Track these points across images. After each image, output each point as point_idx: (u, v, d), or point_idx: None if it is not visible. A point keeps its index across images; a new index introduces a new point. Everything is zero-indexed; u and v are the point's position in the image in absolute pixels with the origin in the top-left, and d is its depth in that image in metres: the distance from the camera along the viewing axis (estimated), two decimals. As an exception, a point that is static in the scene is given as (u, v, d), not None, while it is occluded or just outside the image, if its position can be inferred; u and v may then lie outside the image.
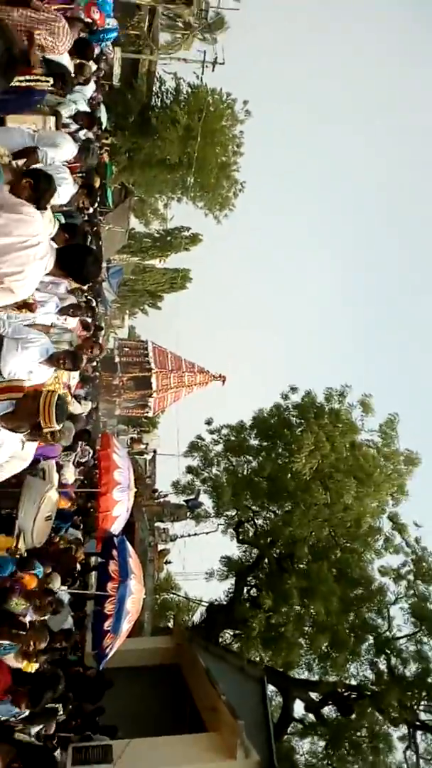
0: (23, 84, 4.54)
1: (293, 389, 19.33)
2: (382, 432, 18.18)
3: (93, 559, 11.12)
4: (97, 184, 10.52)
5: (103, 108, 16.48)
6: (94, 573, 11.54)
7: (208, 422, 20.57)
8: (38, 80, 4.79)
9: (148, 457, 25.79)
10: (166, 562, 20.23)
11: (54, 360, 4.76)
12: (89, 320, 11.04)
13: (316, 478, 16.92)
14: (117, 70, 21.92)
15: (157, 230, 31.33)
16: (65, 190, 6.56)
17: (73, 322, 7.95)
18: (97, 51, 11.25)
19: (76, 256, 4.05)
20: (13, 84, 3.92)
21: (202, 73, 23.81)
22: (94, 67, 11.07)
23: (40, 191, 3.54)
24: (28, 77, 4.52)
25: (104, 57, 16.01)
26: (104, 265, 24.51)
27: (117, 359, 27.09)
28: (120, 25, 19.09)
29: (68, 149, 5.79)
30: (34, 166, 4.77)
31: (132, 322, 37.35)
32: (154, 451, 26.54)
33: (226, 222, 24.60)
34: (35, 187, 3.48)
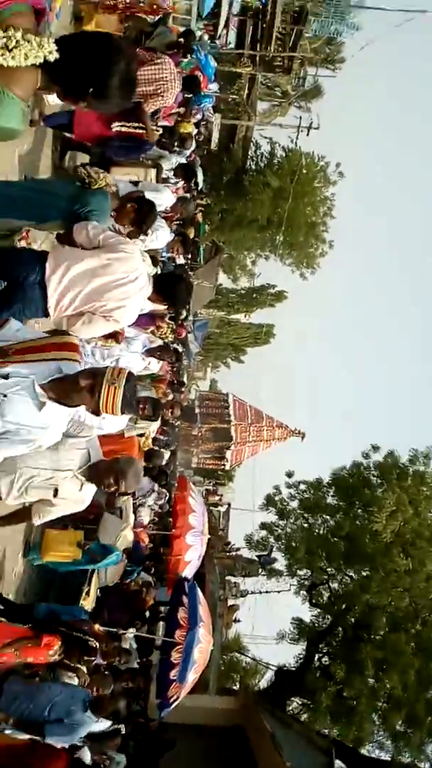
0: (134, 130, 4.87)
1: (375, 448, 18.79)
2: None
3: (162, 609, 10.99)
4: (192, 234, 10.99)
5: (200, 170, 17.36)
6: (161, 623, 11.37)
7: (289, 474, 20.23)
8: (147, 129, 5.13)
9: (222, 509, 25.59)
10: (235, 620, 19.70)
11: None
12: (173, 366, 11.30)
13: (396, 543, 16.16)
14: (215, 135, 23.08)
15: (244, 287, 32.03)
16: (162, 234, 6.88)
17: (156, 366, 7.99)
18: (198, 116, 11.98)
19: (170, 282, 4.63)
20: (125, 129, 4.24)
21: (297, 137, 24.60)
22: (194, 129, 11.75)
23: (143, 214, 3.81)
24: (137, 124, 4.85)
25: (204, 122, 16.96)
26: (191, 318, 25.23)
27: (197, 410, 27.40)
28: (221, 93, 20.30)
29: (168, 197, 6.09)
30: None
31: (214, 375, 37.87)
32: (229, 504, 26.31)
33: (313, 279, 24.84)
34: (138, 210, 3.74)
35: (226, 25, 16.73)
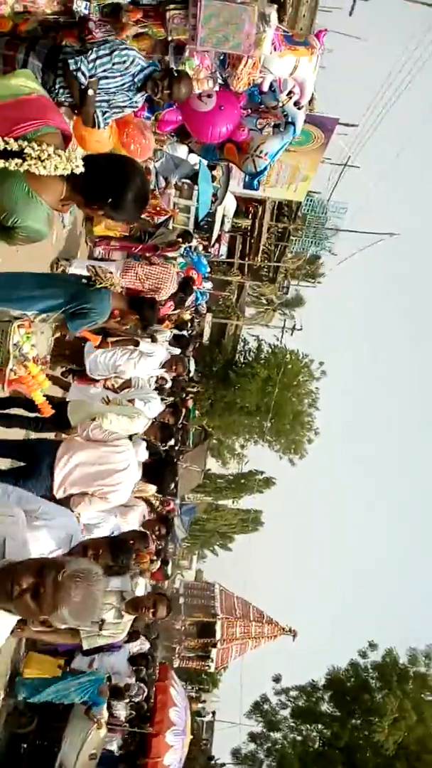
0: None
1: (372, 646, 17.59)
2: None
3: None
4: (172, 421, 11.42)
5: (192, 360, 18.55)
6: None
7: (277, 679, 18.64)
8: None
9: (206, 719, 22.99)
10: None
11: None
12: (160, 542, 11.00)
13: (401, 756, 14.39)
14: (207, 330, 24.97)
15: (232, 473, 32.22)
16: (155, 405, 7.22)
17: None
18: (192, 309, 13.16)
19: (158, 467, 5.60)
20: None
21: (282, 336, 26.62)
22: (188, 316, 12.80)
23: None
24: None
25: (198, 316, 18.49)
26: (178, 501, 24.98)
27: (181, 600, 25.85)
28: (213, 297, 22.36)
29: (161, 353, 6.57)
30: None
31: (200, 565, 36.38)
32: (213, 713, 23.70)
33: (301, 465, 25.15)
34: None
35: (218, 240, 18.94)
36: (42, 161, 2.06)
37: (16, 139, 2.09)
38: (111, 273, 3.79)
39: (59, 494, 4.34)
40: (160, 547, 12.68)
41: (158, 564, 14.01)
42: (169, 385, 7.97)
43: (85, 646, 4.56)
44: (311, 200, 22.46)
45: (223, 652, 25.82)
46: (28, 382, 3.62)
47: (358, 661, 17.47)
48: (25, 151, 2.08)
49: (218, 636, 25.46)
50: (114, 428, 5.00)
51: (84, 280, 3.65)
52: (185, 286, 8.35)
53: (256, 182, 4.49)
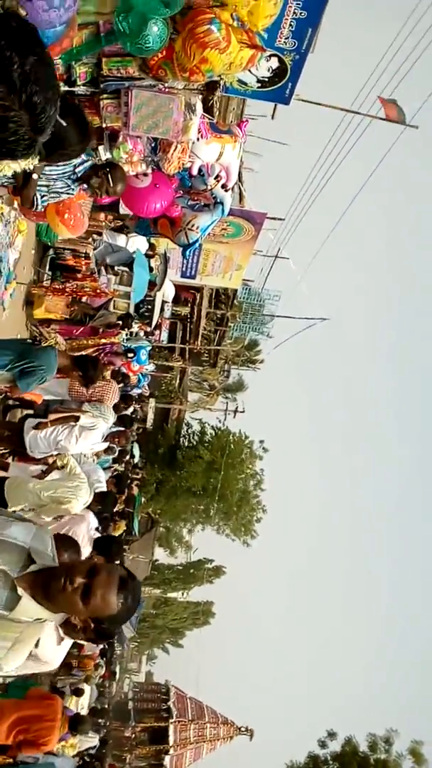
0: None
1: (331, 735, 16.89)
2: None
3: None
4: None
5: (136, 446, 18.47)
6: None
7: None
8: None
9: None
10: None
11: None
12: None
13: None
14: (150, 416, 25.04)
15: (181, 563, 31.35)
16: (97, 434, 7.14)
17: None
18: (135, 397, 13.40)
19: (106, 543, 5.29)
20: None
21: (225, 419, 26.95)
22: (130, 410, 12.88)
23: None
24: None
25: (141, 402, 18.62)
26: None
27: (130, 705, 24.25)
28: (155, 382, 22.64)
29: (104, 426, 6.57)
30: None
31: (150, 667, 34.42)
32: None
33: (250, 549, 24.80)
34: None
35: (159, 326, 19.45)
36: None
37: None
38: (54, 333, 3.92)
39: None
40: (104, 647, 12.15)
41: (103, 669, 13.39)
42: (116, 454, 7.96)
43: None
44: (247, 288, 23.54)
45: (176, 758, 24.07)
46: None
47: (318, 752, 16.64)
48: None
49: (171, 741, 23.82)
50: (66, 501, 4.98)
51: (29, 340, 3.75)
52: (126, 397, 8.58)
53: (188, 253, 4.78)
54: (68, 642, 3.27)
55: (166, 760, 23.42)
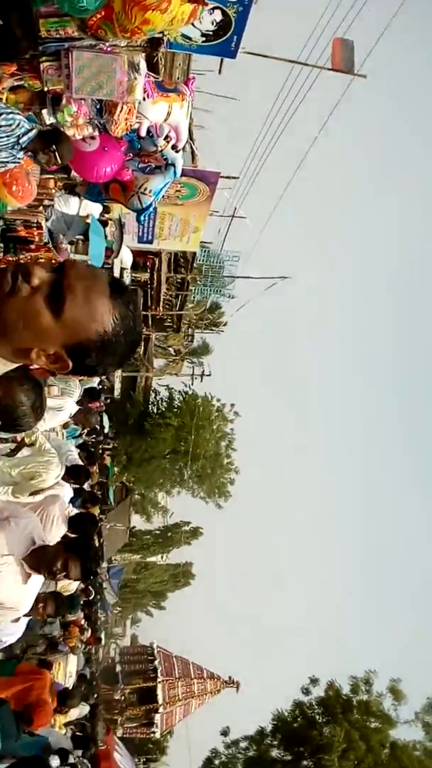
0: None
1: (313, 681, 17.54)
2: (421, 721, 15.96)
3: None
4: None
5: (105, 416, 18.38)
6: None
7: (225, 732, 18.12)
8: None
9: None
10: None
11: None
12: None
13: (355, 789, 14.26)
14: (117, 386, 24.90)
15: (158, 527, 31.69)
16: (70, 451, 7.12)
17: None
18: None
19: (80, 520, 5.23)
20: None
21: (192, 384, 26.98)
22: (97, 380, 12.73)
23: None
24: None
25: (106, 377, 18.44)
26: (105, 565, 24.18)
27: (118, 669, 24.74)
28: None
29: (71, 406, 6.48)
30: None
31: (134, 630, 35.06)
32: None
33: (226, 509, 25.19)
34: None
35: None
36: None
37: None
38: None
39: None
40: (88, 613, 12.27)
41: (89, 632, 13.50)
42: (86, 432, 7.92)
43: None
44: (205, 251, 23.30)
45: (167, 716, 24.79)
46: None
47: (302, 699, 17.32)
48: None
49: (160, 700, 24.49)
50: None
51: None
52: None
53: (143, 217, 4.70)
54: (37, 581, 3.15)
55: (157, 718, 24.12)
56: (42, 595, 4.55)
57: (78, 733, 10.12)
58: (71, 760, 9.36)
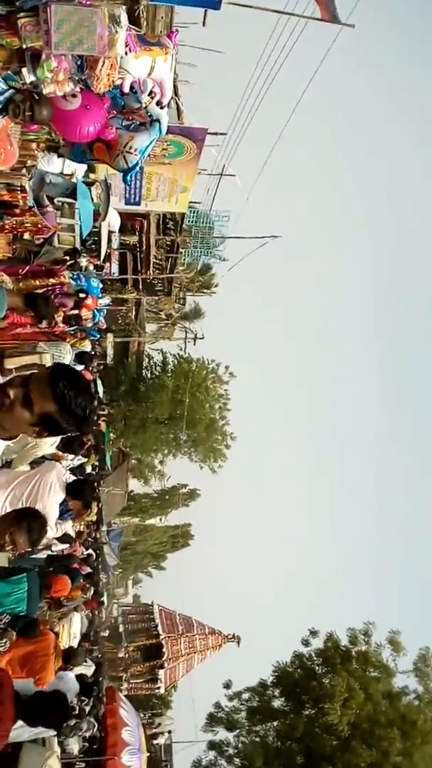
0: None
1: (313, 633, 17.92)
2: (418, 671, 16.44)
3: None
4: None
5: (99, 382, 18.32)
6: None
7: (227, 685, 18.65)
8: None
9: (163, 740, 22.57)
10: None
11: None
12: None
13: (356, 736, 14.75)
14: (110, 351, 24.80)
15: (155, 490, 32.06)
16: None
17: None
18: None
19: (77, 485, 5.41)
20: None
21: (185, 347, 26.90)
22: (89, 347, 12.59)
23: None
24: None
25: (98, 340, 18.29)
26: (104, 528, 24.51)
27: (121, 628, 25.33)
28: (112, 317, 22.26)
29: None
30: None
31: (136, 590, 35.78)
32: (170, 732, 23.32)
33: (223, 471, 25.42)
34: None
35: (108, 258, 18.90)
36: None
37: None
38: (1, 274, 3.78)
39: None
40: (89, 572, 12.43)
41: (91, 592, 13.67)
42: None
43: None
44: (195, 211, 22.90)
45: (170, 671, 25.53)
46: None
47: (302, 651, 17.77)
48: None
49: (164, 656, 25.17)
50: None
51: None
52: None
53: (129, 177, 4.59)
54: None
55: (161, 673, 24.85)
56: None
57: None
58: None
